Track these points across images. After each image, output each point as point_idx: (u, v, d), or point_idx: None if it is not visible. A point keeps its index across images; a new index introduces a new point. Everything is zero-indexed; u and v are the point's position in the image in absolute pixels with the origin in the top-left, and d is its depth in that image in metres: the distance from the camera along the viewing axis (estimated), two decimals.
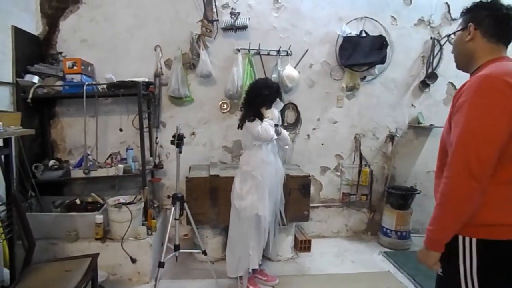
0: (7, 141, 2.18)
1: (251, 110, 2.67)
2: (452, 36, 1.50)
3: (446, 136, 1.40)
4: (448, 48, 3.77)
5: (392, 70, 3.81)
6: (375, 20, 3.69)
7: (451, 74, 3.86)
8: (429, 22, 3.80)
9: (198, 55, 3.46)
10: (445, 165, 1.31)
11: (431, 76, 3.81)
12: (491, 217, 1.26)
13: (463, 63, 1.46)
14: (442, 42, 3.78)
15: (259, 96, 2.65)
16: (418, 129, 3.93)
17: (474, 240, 1.29)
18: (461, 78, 4.07)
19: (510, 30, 1.36)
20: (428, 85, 3.86)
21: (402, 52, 3.80)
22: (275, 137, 2.62)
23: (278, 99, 2.71)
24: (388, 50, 3.62)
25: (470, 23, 1.37)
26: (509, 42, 1.38)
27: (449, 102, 3.88)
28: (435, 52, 3.81)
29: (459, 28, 1.44)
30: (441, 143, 1.46)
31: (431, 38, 3.80)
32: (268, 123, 2.57)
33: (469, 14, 1.40)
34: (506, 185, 1.25)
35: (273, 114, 2.67)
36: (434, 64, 3.82)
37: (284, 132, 2.80)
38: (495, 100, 1.20)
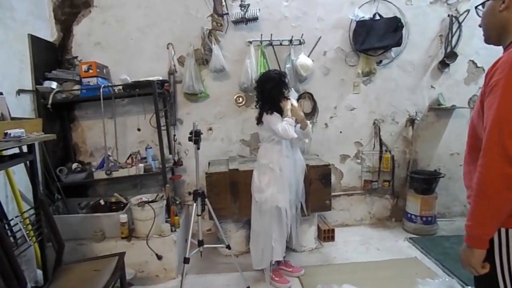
0: (30, 147, 2.24)
1: (266, 104, 2.64)
2: (480, 7, 1.35)
3: (476, 119, 1.28)
4: (467, 25, 3.63)
5: (409, 52, 3.70)
6: (388, 1, 3.59)
7: (471, 52, 3.72)
8: None
9: (211, 50, 3.45)
10: (474, 151, 1.23)
11: (451, 56, 3.68)
12: None
13: (495, 35, 1.30)
14: (460, 19, 3.64)
15: (265, 92, 2.63)
16: (439, 111, 3.82)
17: (510, 231, 1.20)
18: (483, 55, 3.95)
19: None
20: (447, 65, 3.73)
21: (419, 32, 3.68)
22: (295, 136, 2.56)
23: (291, 89, 2.68)
24: (403, 31, 3.51)
25: None
26: None
27: (470, 81, 3.76)
28: (454, 30, 3.67)
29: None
30: (470, 125, 1.35)
31: (448, 15, 3.66)
32: (288, 122, 2.51)
33: None
34: None
35: (293, 105, 2.64)
36: (453, 43, 3.69)
37: (308, 128, 2.73)
38: None
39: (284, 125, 2.50)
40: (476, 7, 1.39)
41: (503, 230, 1.21)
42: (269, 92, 2.61)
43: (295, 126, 2.59)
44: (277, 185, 2.61)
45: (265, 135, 2.69)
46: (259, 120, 2.68)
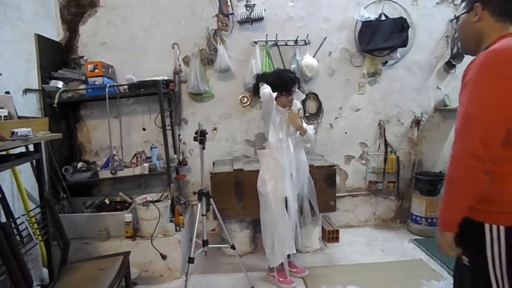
0: (37, 146, 2.25)
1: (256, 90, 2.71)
2: (454, 21, 1.46)
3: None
4: None
5: (415, 52, 3.68)
6: (394, 2, 3.57)
7: None
8: (452, 0, 3.63)
9: (216, 50, 3.45)
10: None
11: (457, 56, 3.65)
12: None
13: (471, 45, 1.41)
14: None
15: (262, 80, 2.67)
16: (445, 112, 3.79)
17: (502, 228, 1.24)
18: None
19: None
20: (453, 66, 3.70)
21: (425, 33, 3.65)
22: (273, 94, 2.54)
23: (297, 91, 2.70)
24: (409, 32, 3.48)
25: (477, 4, 1.32)
26: None
27: None
28: None
29: (464, 11, 1.39)
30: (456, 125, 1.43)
31: (454, 16, 3.62)
32: (263, 87, 2.56)
33: None
34: None
35: (295, 105, 2.67)
36: (459, 44, 3.67)
37: (308, 132, 2.72)
38: (501, 76, 1.17)
39: (261, 90, 2.54)
40: (451, 21, 1.47)
41: (494, 227, 1.26)
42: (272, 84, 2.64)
43: (296, 131, 2.67)
44: (278, 174, 2.63)
45: (265, 129, 2.75)
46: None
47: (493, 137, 1.17)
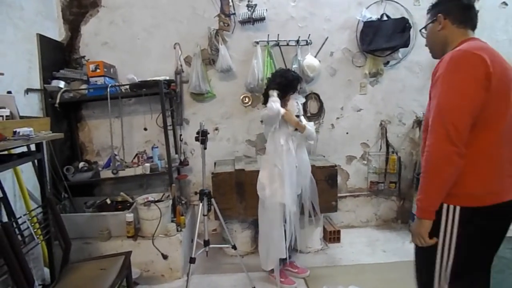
0: (38, 146, 2.25)
1: (266, 97, 2.68)
2: (424, 30, 1.65)
3: (427, 113, 1.49)
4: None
5: (417, 53, 3.67)
6: (396, 2, 3.57)
7: None
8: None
9: (217, 50, 3.45)
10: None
11: None
12: (474, 185, 1.36)
13: (438, 51, 1.57)
14: None
15: (271, 83, 2.65)
16: None
17: (457, 208, 1.38)
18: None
19: (474, 16, 1.53)
20: None
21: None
22: (281, 111, 2.55)
23: (296, 92, 2.69)
24: (411, 32, 3.49)
25: (439, 14, 1.51)
26: (475, 26, 1.54)
27: None
28: None
29: (429, 21, 1.58)
30: (424, 121, 1.55)
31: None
32: (271, 100, 2.54)
33: (437, 7, 1.55)
34: (482, 154, 1.35)
35: (292, 106, 2.65)
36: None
37: (308, 128, 2.70)
38: (466, 71, 1.32)
39: (268, 104, 2.54)
40: (420, 30, 1.72)
41: (451, 207, 1.40)
42: (267, 85, 2.66)
43: (296, 130, 2.66)
44: (278, 181, 2.61)
45: (265, 131, 2.75)
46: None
47: (463, 122, 1.31)
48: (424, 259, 1.53)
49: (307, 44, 3.58)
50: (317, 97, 3.71)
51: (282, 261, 2.78)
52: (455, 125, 1.30)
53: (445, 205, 1.41)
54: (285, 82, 2.63)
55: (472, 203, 1.38)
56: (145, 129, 3.40)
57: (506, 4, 3.68)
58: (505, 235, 1.48)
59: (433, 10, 1.56)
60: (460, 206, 1.38)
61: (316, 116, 3.73)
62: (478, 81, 1.30)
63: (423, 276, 1.57)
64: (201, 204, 2.62)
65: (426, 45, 1.65)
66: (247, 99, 3.66)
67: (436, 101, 1.37)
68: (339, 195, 3.55)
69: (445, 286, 1.46)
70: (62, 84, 3.10)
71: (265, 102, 2.68)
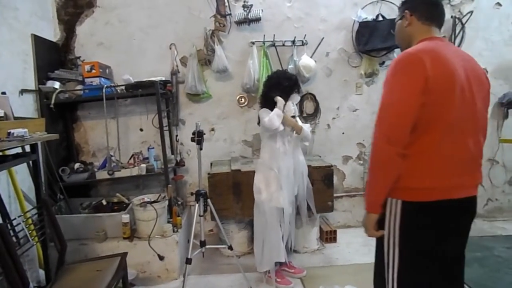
0: (33, 147, 2.24)
1: (267, 101, 2.66)
2: (392, 31, 1.75)
3: None
4: (470, 26, 3.64)
5: None
6: (391, 2, 3.58)
7: (474, 53, 3.57)
8: (449, 0, 3.65)
9: (213, 51, 3.45)
10: None
11: None
12: (413, 180, 1.40)
13: (405, 47, 1.58)
14: (464, 20, 3.63)
15: (275, 86, 2.64)
16: None
17: (399, 202, 1.43)
18: (486, 57, 3.95)
19: (440, 13, 1.56)
20: None
21: None
22: (281, 128, 2.56)
23: (295, 93, 2.69)
24: None
25: (406, 11, 1.56)
26: (441, 24, 1.56)
27: None
28: (457, 32, 3.66)
29: (398, 18, 1.63)
30: None
31: (451, 17, 3.65)
32: (276, 113, 2.54)
33: (405, 4, 1.60)
34: (424, 153, 1.39)
35: (288, 106, 2.65)
36: (456, 44, 3.67)
37: (304, 129, 2.70)
38: (405, 74, 1.37)
39: (271, 116, 2.53)
40: (391, 29, 1.77)
41: (394, 201, 1.45)
42: (269, 89, 2.65)
43: (292, 131, 2.65)
44: (274, 184, 2.61)
45: (261, 133, 2.74)
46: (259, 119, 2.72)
47: (400, 124, 1.35)
48: (377, 260, 1.56)
49: (303, 44, 3.58)
50: (313, 97, 3.71)
51: (279, 262, 2.78)
52: (393, 127, 1.36)
53: (389, 199, 1.46)
54: (291, 84, 2.64)
55: (412, 198, 1.41)
56: (141, 129, 3.39)
57: (501, 5, 3.70)
58: (457, 236, 1.49)
59: (402, 8, 1.61)
60: (402, 200, 1.42)
61: (312, 117, 3.74)
62: (415, 84, 1.33)
63: (376, 279, 1.62)
64: (197, 205, 2.62)
65: (396, 42, 1.71)
66: (243, 99, 3.66)
67: (380, 102, 1.42)
68: (335, 195, 3.57)
69: None
70: (57, 84, 3.09)
71: (265, 105, 2.67)
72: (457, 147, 1.39)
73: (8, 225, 2.12)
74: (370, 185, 1.48)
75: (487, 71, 3.70)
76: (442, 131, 1.37)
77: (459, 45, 3.67)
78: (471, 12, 3.60)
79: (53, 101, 2.98)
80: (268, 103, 2.65)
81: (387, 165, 1.40)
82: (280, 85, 2.63)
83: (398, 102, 1.36)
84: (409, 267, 1.45)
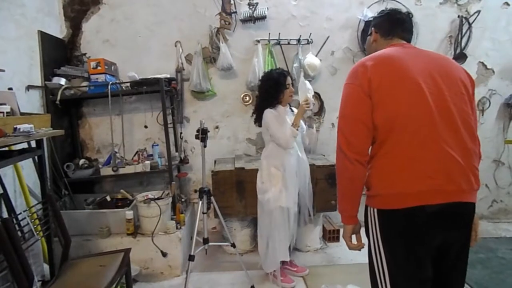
0: (39, 142, 2.26)
1: (263, 103, 2.64)
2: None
3: None
4: (477, 27, 3.61)
5: None
6: (397, 1, 3.56)
7: (481, 53, 3.68)
8: (456, 0, 3.62)
9: (218, 49, 3.45)
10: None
11: (460, 57, 3.64)
12: (383, 184, 1.36)
13: None
14: (470, 20, 3.60)
15: (263, 91, 2.65)
16: None
17: (375, 210, 1.39)
18: (493, 57, 3.92)
19: (403, 28, 1.58)
20: None
21: (428, 33, 3.65)
22: (294, 147, 2.60)
23: (306, 82, 2.63)
24: (412, 32, 3.47)
25: (373, 28, 1.63)
26: (403, 37, 1.57)
27: (480, 82, 3.71)
28: (464, 32, 3.63)
29: (368, 34, 1.70)
30: None
31: (458, 16, 3.63)
32: (293, 133, 2.50)
33: (373, 21, 1.67)
34: (386, 159, 1.35)
35: (306, 85, 2.59)
36: (463, 44, 3.65)
37: (303, 125, 2.72)
38: (350, 81, 1.42)
39: (288, 137, 2.50)
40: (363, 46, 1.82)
41: (371, 209, 1.41)
42: (266, 91, 2.63)
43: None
44: (279, 184, 2.60)
45: (263, 133, 2.73)
46: (257, 119, 2.70)
47: (352, 130, 1.39)
48: (369, 269, 1.47)
49: (308, 43, 3.58)
50: (318, 96, 3.70)
51: (282, 261, 2.78)
52: (345, 134, 1.40)
53: (368, 208, 1.44)
54: (272, 83, 2.60)
55: (386, 205, 1.35)
56: (146, 126, 3.40)
57: (508, 5, 3.67)
58: (446, 245, 1.35)
59: (371, 25, 1.68)
60: (377, 208, 1.38)
61: (316, 116, 3.73)
62: (359, 88, 1.36)
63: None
64: (200, 202, 2.62)
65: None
66: (247, 97, 3.66)
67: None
68: None
69: None
70: (63, 81, 3.10)
71: (265, 105, 2.62)
72: (427, 147, 1.29)
73: (14, 220, 2.13)
74: (338, 196, 1.51)
75: (493, 72, 3.69)
76: (406, 130, 1.30)
77: (466, 45, 3.64)
78: (479, 11, 3.56)
79: (58, 97, 3.00)
80: (268, 103, 2.62)
81: (343, 174, 1.44)
82: (265, 89, 2.62)
83: (348, 110, 1.41)
84: (399, 275, 1.35)
